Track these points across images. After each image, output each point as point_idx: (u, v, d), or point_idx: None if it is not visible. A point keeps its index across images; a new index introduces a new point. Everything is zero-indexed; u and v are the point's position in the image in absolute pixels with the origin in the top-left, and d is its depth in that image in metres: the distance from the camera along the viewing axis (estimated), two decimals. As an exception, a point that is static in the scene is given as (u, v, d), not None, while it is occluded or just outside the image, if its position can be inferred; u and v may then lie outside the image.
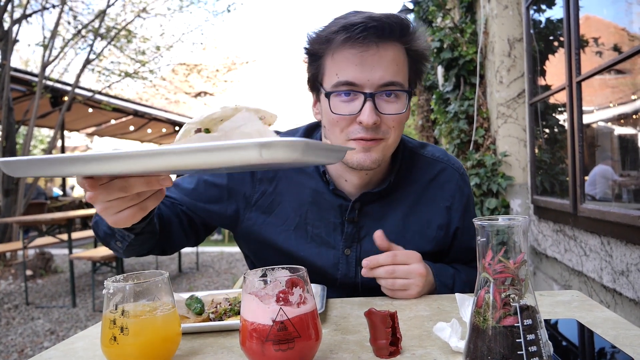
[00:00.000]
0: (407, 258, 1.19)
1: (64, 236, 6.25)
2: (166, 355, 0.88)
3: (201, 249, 9.15)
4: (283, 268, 0.87)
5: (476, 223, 0.77)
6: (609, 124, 4.00)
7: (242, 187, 1.35)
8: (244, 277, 0.82)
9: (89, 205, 10.42)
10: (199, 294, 1.20)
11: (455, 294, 0.89)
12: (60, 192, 13.88)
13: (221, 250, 9.67)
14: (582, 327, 0.94)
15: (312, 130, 1.42)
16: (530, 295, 0.75)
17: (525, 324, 0.73)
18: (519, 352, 0.72)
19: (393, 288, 1.19)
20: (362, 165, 1.22)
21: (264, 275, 0.85)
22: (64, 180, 13.02)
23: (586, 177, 3.61)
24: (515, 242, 0.74)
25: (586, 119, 3.46)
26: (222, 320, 1.08)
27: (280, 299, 0.79)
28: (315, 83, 1.27)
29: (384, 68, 1.16)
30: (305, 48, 1.25)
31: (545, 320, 0.97)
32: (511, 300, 0.74)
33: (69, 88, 9.59)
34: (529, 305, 0.74)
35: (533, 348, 0.72)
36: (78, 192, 19.07)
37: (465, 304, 0.87)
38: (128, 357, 0.83)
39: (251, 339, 0.79)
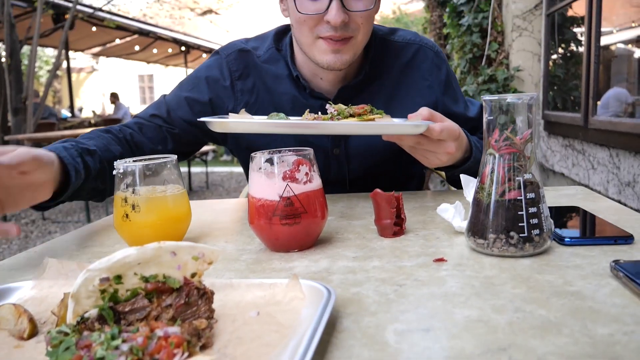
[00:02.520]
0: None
1: (75, 154, 6.31)
2: (177, 235, 0.90)
3: (210, 168, 9.24)
4: (289, 150, 0.87)
5: (484, 99, 0.76)
6: (629, 46, 3.85)
7: (224, 101, 1.32)
8: (252, 157, 0.83)
9: (97, 125, 10.44)
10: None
11: (461, 175, 0.90)
12: (69, 114, 13.86)
13: (230, 170, 9.77)
14: (584, 212, 0.95)
15: (281, 35, 1.37)
16: (535, 171, 0.75)
17: (528, 197, 0.74)
18: (520, 225, 0.73)
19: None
20: (333, 66, 1.19)
21: (271, 154, 0.85)
22: (71, 101, 12.96)
23: (598, 102, 3.52)
24: (523, 119, 0.74)
25: (605, 40, 3.31)
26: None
27: (287, 176, 0.80)
28: None
29: None
30: None
31: (549, 207, 0.98)
32: (516, 174, 0.74)
33: (70, 4, 9.30)
34: (533, 181, 0.75)
35: (534, 220, 0.73)
36: (86, 114, 19.06)
37: (469, 185, 0.88)
38: (140, 234, 0.86)
39: (259, 215, 0.81)
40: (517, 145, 0.74)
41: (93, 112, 14.77)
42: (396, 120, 1.13)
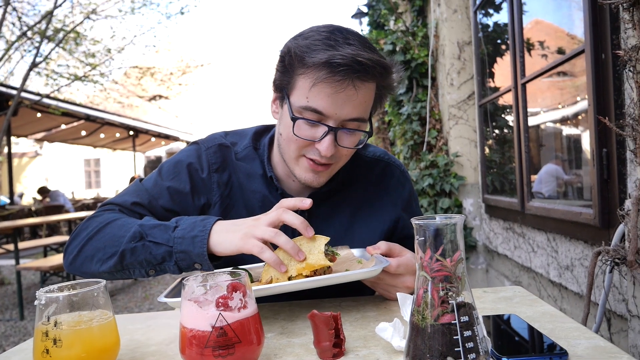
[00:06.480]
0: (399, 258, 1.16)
1: (11, 246, 5.98)
2: (104, 366, 0.85)
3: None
4: (224, 272, 0.86)
5: (414, 222, 0.77)
6: (557, 125, 4.16)
7: (200, 193, 1.34)
8: (183, 284, 0.80)
9: (38, 214, 10.03)
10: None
11: (397, 293, 0.90)
12: (8, 201, 13.28)
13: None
14: (520, 322, 0.96)
15: (260, 135, 1.43)
16: (467, 292, 0.76)
17: (462, 320, 0.74)
18: (456, 349, 0.73)
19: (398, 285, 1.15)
20: (310, 184, 1.27)
21: (204, 280, 0.83)
22: (11, 187, 12.48)
23: (534, 176, 3.73)
24: (452, 240, 0.76)
25: (534, 120, 3.56)
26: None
27: (220, 304, 0.78)
28: (281, 89, 1.24)
29: (354, 106, 1.17)
30: (281, 56, 1.22)
31: (486, 316, 0.99)
32: (449, 298, 0.75)
33: (14, 92, 9.20)
34: (466, 303, 0.75)
35: (470, 344, 0.73)
36: (27, 200, 18.34)
37: (406, 303, 0.88)
38: (62, 371, 0.80)
39: (191, 346, 0.78)
40: (448, 268, 0.75)
41: (34, 199, 14.23)
42: (355, 252, 1.24)
